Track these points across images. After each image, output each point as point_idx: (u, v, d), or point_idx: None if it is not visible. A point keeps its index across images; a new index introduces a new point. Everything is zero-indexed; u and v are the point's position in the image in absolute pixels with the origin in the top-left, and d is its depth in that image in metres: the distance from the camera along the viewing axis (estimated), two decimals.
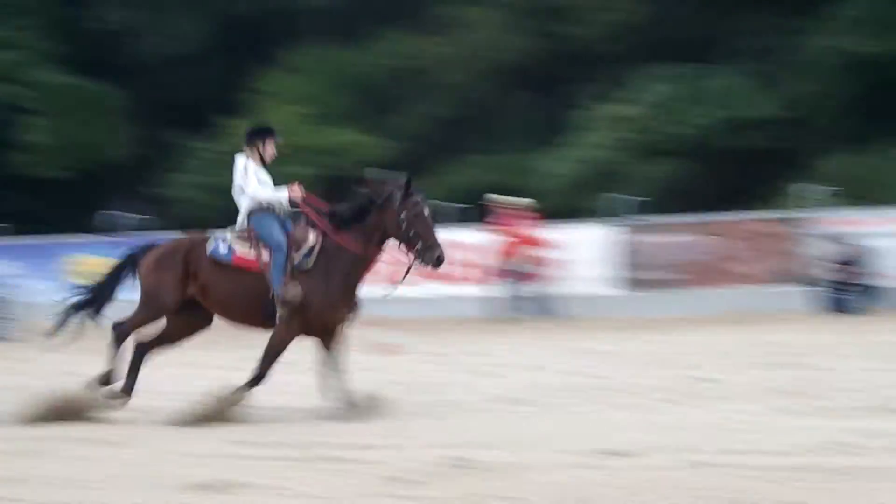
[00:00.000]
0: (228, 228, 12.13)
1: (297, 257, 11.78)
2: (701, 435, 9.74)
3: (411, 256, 11.74)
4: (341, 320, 11.84)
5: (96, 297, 12.52)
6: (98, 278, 12.64)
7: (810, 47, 28.17)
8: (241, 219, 12.09)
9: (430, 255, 11.67)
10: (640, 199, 25.15)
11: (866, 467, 8.28)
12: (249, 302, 11.94)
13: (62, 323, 12.46)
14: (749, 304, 22.85)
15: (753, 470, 8.27)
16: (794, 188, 24.87)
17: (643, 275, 24.45)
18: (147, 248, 12.51)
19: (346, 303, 11.79)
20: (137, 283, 12.39)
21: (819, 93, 28.09)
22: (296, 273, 11.70)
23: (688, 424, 10.36)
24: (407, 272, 11.77)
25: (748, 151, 26.98)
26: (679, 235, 24.54)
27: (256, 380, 11.74)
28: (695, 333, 19.55)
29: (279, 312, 11.70)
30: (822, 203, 23.99)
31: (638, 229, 24.64)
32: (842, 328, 19.63)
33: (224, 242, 12.07)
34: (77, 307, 12.51)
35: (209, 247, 12.10)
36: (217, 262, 12.04)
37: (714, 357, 15.86)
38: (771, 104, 27.60)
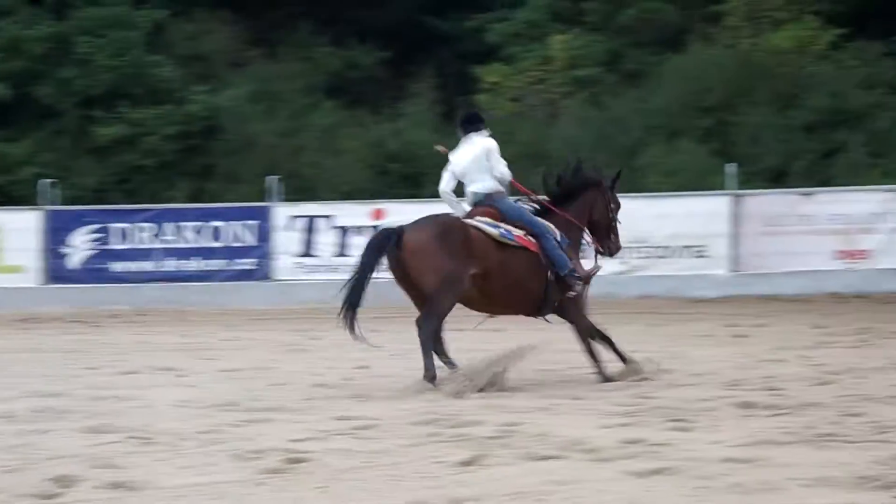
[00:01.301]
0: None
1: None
2: None
3: (597, 242, 12.45)
4: None
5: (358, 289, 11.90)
6: (355, 269, 12.00)
7: None
8: (476, 200, 12.17)
9: (615, 246, 12.59)
10: None
11: None
12: (532, 284, 12.05)
13: (350, 318, 11.86)
14: None
15: None
16: None
17: None
18: (398, 230, 11.92)
19: None
20: (412, 266, 11.80)
21: None
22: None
23: None
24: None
25: None
26: None
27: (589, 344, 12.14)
28: None
29: (577, 289, 12.03)
30: None
31: None
32: None
33: (494, 223, 12.01)
34: (352, 302, 11.89)
35: (488, 227, 11.96)
36: (501, 244, 11.92)
37: None
38: None
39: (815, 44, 27.64)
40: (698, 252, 21.42)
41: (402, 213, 22.36)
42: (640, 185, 23.75)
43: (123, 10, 28.77)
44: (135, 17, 28.76)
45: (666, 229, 21.74)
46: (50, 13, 29.04)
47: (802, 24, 28.04)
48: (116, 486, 7.69)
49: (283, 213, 22.90)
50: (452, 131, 26.65)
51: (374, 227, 22.44)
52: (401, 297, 21.51)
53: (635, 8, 29.92)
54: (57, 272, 23.19)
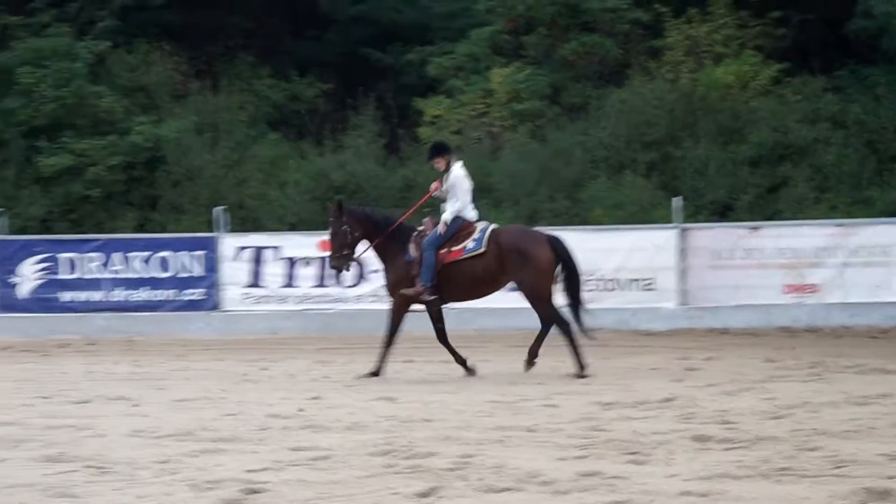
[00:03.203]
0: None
1: None
2: None
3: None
4: None
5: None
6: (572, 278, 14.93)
7: None
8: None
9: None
10: None
11: None
12: None
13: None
14: None
15: None
16: None
17: None
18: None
19: None
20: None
21: None
22: None
23: None
24: None
25: None
26: None
27: None
28: None
29: None
30: None
31: None
32: None
33: None
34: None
35: None
36: None
37: None
38: None
39: (756, 79, 27.92)
40: (646, 285, 21.53)
41: None
42: (584, 219, 23.88)
43: (65, 42, 28.66)
44: (77, 48, 28.65)
45: (613, 262, 21.83)
46: None
47: (743, 59, 28.31)
48: None
49: (230, 243, 22.83)
50: (395, 164, 27.19)
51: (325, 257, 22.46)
52: (346, 328, 21.76)
53: (575, 42, 30.11)
54: (6, 301, 23.05)
